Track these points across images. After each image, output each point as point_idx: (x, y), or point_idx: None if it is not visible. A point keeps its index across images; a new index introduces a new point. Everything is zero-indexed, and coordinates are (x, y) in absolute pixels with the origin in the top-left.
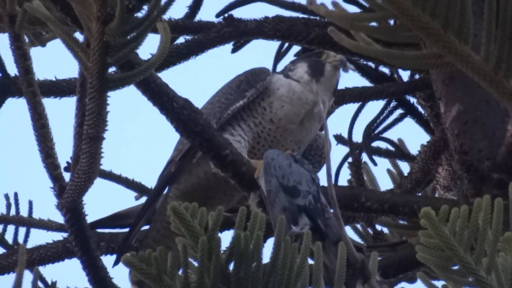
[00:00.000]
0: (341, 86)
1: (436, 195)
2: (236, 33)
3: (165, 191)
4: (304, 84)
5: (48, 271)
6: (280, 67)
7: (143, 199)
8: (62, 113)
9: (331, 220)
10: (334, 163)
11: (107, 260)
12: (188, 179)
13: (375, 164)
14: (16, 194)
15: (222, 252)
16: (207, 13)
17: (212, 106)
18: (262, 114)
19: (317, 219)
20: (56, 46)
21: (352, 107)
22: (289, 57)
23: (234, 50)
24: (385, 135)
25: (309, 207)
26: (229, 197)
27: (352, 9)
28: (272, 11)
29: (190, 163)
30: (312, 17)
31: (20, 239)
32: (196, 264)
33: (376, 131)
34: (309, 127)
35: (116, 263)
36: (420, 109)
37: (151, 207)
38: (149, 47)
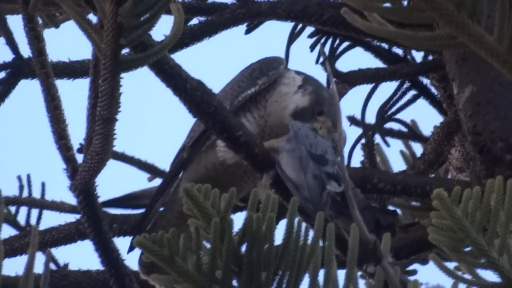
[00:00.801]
0: (354, 67)
1: (449, 177)
2: (249, 14)
3: (178, 178)
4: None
5: (61, 253)
6: (294, 48)
7: (156, 181)
8: (75, 94)
9: (356, 189)
10: (347, 145)
11: (120, 242)
12: (198, 169)
13: (388, 145)
14: (28, 176)
15: (234, 233)
16: None
17: (225, 93)
18: (264, 107)
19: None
20: (70, 27)
21: (365, 88)
22: (303, 38)
23: (247, 32)
24: (398, 116)
25: (337, 175)
26: (238, 187)
27: None
28: None
29: (199, 152)
30: None
31: (33, 221)
32: (208, 245)
33: (389, 112)
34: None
35: (130, 247)
36: (433, 90)
37: (165, 192)
38: (162, 28)
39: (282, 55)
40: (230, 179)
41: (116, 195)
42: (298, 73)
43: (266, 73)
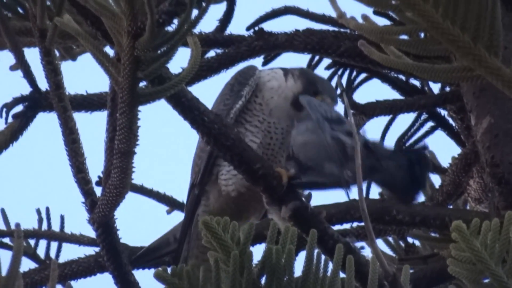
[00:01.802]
0: (371, 99)
1: (467, 208)
2: (266, 46)
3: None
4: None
5: (80, 285)
6: None
7: (173, 220)
8: (93, 127)
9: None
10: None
11: (139, 274)
12: (217, 197)
13: None
14: (47, 209)
15: (253, 265)
16: (238, 27)
17: None
18: (261, 110)
19: (366, 143)
20: (87, 60)
21: (383, 119)
22: (320, 69)
23: (264, 63)
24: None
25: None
26: (262, 203)
27: (382, 22)
28: (303, 24)
29: (213, 182)
30: (342, 30)
31: (52, 254)
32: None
33: (407, 144)
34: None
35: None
36: (451, 121)
37: (188, 231)
38: (179, 61)
39: None
40: (254, 196)
41: (135, 228)
42: (270, 68)
43: (246, 82)
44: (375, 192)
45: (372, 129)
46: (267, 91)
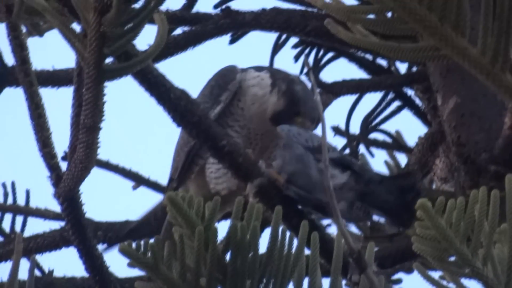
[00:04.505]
0: (338, 78)
1: (433, 187)
2: (233, 24)
3: None
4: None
5: (45, 259)
6: (278, 58)
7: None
8: (59, 103)
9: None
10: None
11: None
12: (197, 192)
13: (372, 155)
14: (13, 183)
15: (218, 242)
16: (205, 5)
17: None
18: (243, 116)
19: (352, 166)
20: (54, 36)
21: (350, 99)
22: (287, 48)
23: (231, 42)
24: (383, 127)
25: (342, 157)
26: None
27: (349, 1)
28: (270, 3)
29: (192, 180)
30: (309, 9)
31: (18, 228)
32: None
33: (374, 123)
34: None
35: None
36: (417, 101)
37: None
38: (146, 38)
39: (266, 65)
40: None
41: (101, 203)
42: (259, 69)
43: (225, 87)
44: None
45: (339, 108)
46: (250, 97)
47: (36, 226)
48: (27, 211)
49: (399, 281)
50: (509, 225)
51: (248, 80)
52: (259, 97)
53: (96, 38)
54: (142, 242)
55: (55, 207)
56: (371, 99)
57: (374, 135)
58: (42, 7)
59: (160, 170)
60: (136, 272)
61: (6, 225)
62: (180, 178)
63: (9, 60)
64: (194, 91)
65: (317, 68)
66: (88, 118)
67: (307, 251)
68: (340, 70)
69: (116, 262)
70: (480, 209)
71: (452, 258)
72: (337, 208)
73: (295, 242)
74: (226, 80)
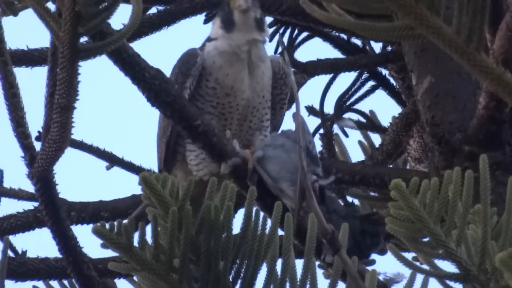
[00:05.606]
0: (313, 57)
1: (407, 167)
2: (208, 3)
3: None
4: (224, 38)
5: (19, 240)
6: None
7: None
8: (33, 82)
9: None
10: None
11: (78, 230)
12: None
13: (346, 135)
14: None
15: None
16: None
17: None
18: (215, 95)
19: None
20: (28, 15)
21: (324, 78)
22: None
23: (206, 21)
24: (357, 106)
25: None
26: None
27: None
28: None
29: (175, 168)
30: None
31: None
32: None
33: (348, 103)
34: (258, 70)
35: None
36: (392, 81)
37: None
38: (121, 17)
39: None
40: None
41: (75, 183)
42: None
43: (188, 73)
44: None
45: (313, 88)
46: (219, 72)
47: (9, 207)
48: (1, 191)
49: (372, 262)
50: (483, 205)
51: (206, 59)
52: (225, 65)
53: (71, 17)
54: (115, 223)
55: (29, 187)
56: (346, 79)
57: (348, 115)
58: None
59: (134, 150)
60: (109, 253)
61: None
62: (166, 168)
63: None
64: (169, 71)
65: (291, 47)
66: (62, 97)
67: (280, 232)
68: (315, 49)
69: (90, 243)
70: (454, 189)
71: (426, 239)
72: (311, 189)
73: (269, 223)
74: (188, 67)
